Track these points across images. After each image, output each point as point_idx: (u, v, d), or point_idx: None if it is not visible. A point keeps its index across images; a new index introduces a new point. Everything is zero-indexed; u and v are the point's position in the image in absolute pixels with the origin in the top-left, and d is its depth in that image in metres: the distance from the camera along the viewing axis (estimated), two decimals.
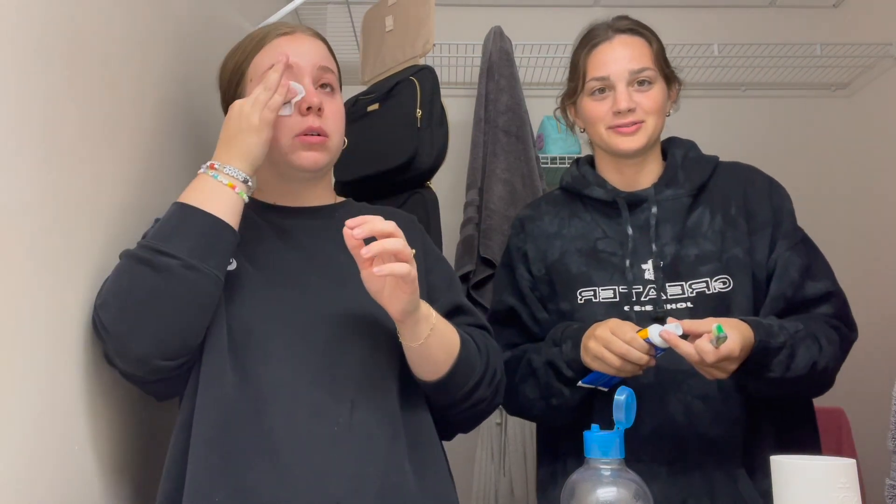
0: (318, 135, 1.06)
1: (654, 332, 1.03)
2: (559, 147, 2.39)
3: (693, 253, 1.19)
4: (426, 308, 0.96)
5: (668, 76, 1.27)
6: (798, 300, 1.17)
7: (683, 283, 1.18)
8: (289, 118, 1.04)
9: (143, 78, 1.08)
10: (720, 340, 0.99)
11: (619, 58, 1.23)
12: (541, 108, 2.51)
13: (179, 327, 0.89)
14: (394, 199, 1.67)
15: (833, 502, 0.73)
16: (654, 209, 1.23)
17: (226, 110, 1.11)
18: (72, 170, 0.87)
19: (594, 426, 0.79)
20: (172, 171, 1.19)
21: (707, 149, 1.33)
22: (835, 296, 1.18)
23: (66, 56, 0.86)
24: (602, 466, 0.77)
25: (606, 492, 0.75)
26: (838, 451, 1.93)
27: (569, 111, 1.35)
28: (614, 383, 1.10)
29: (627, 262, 1.21)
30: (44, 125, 0.81)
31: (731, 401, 1.13)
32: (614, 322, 1.08)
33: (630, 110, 1.21)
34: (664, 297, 1.18)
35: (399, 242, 0.88)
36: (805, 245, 1.22)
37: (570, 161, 2.34)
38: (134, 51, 1.05)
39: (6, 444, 0.74)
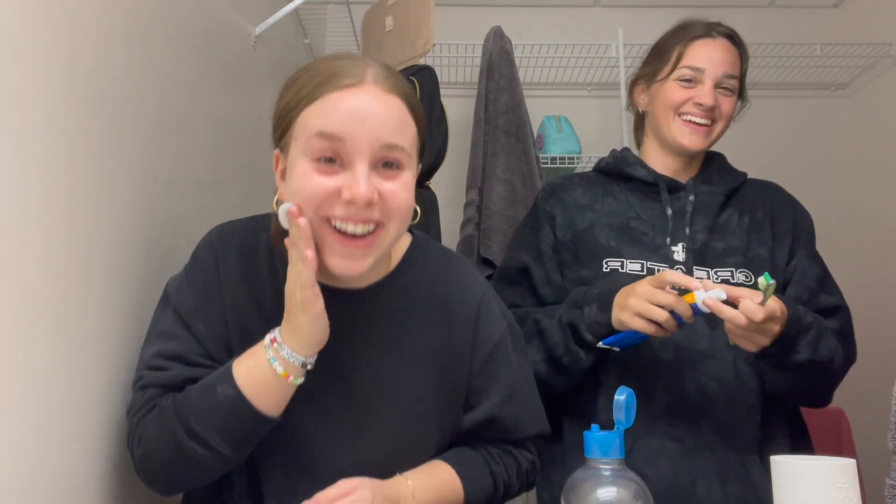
0: (364, 234, 0.83)
1: (700, 297, 1.01)
2: (559, 147, 2.39)
3: (720, 246, 1.23)
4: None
5: (742, 93, 1.32)
6: (811, 308, 1.18)
7: (710, 269, 1.20)
8: (322, 191, 0.82)
9: (144, 78, 1.08)
10: (769, 290, 0.98)
11: (719, 58, 1.26)
12: (541, 108, 2.51)
13: (202, 488, 0.94)
14: None
15: (833, 502, 0.73)
16: (692, 197, 1.27)
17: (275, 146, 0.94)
18: (72, 171, 0.87)
19: (594, 426, 0.79)
20: (173, 170, 1.19)
21: None
22: (843, 311, 1.22)
23: (66, 55, 0.86)
24: (602, 466, 0.77)
25: (606, 492, 0.75)
26: (838, 451, 1.93)
27: (637, 88, 1.37)
28: (635, 342, 1.11)
29: (668, 240, 1.23)
30: (44, 125, 0.81)
31: (746, 388, 1.14)
32: (651, 277, 1.07)
33: (711, 108, 1.25)
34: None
35: None
36: (820, 261, 1.26)
37: (570, 161, 2.37)
38: (135, 50, 1.05)
39: (10, 446, 0.74)
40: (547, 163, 2.36)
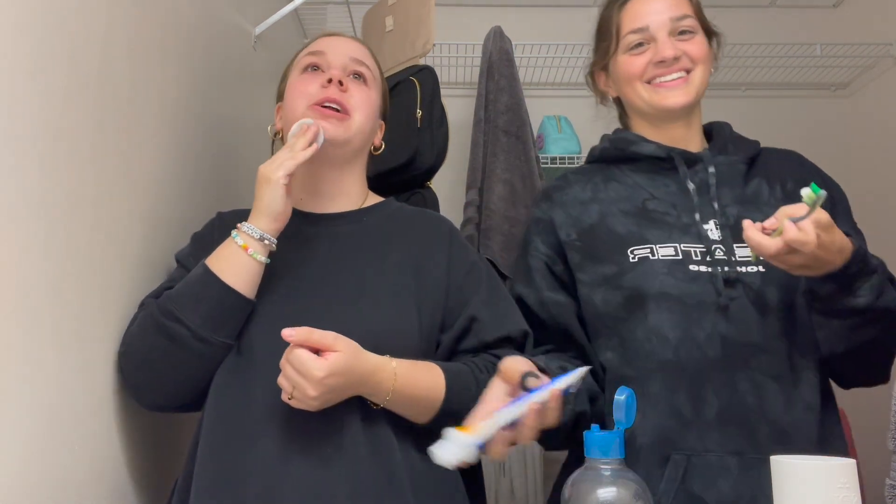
0: (337, 110, 1.07)
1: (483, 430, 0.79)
2: (559, 147, 2.39)
3: (757, 218, 1.03)
4: (376, 381, 0.91)
5: (708, 30, 1.18)
6: None
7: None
8: (308, 87, 1.09)
9: (143, 77, 1.08)
10: (819, 200, 0.84)
11: (658, 7, 1.13)
12: (541, 108, 2.51)
13: (186, 387, 0.98)
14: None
15: (833, 502, 0.73)
16: (712, 169, 1.12)
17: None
18: (72, 171, 0.87)
19: (594, 426, 0.78)
20: (173, 170, 1.19)
21: None
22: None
23: (66, 56, 0.86)
24: (602, 466, 0.77)
25: (606, 492, 0.75)
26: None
27: (598, 79, 1.25)
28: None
29: (697, 216, 1.08)
30: (44, 126, 0.81)
31: (804, 383, 1.01)
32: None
33: (675, 59, 1.11)
34: (734, 259, 1.05)
35: (295, 361, 0.85)
36: (862, 235, 1.14)
37: (570, 161, 2.37)
38: (134, 50, 1.05)
39: (10, 447, 0.74)
40: (547, 163, 2.36)
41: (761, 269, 1.04)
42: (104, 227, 0.95)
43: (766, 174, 1.14)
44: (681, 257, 1.06)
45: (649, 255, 1.07)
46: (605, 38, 1.19)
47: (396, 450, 0.94)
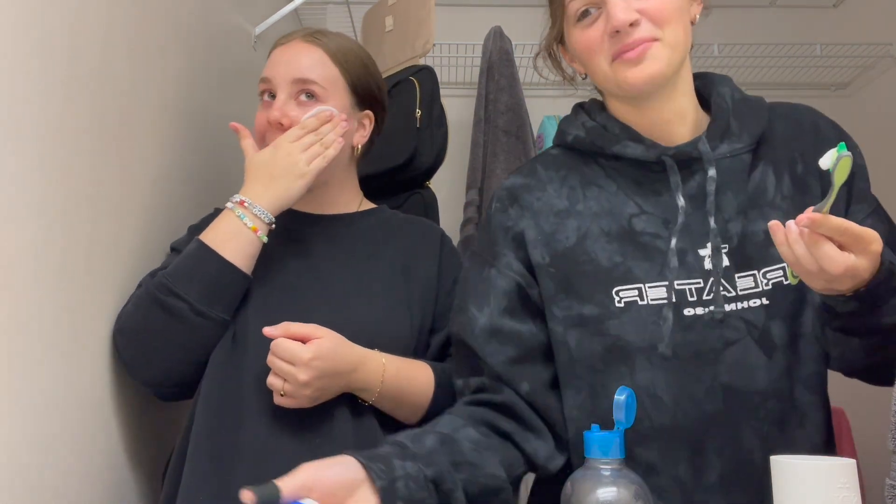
0: None
1: None
2: None
3: (762, 229, 0.89)
4: (365, 371, 0.95)
5: None
6: None
7: (756, 271, 0.89)
8: (263, 120, 1.08)
9: (144, 78, 1.08)
10: (842, 166, 0.72)
11: None
12: (541, 108, 2.51)
13: (183, 362, 0.97)
14: (393, 199, 1.67)
15: (833, 502, 0.73)
16: (712, 172, 0.90)
17: None
18: (72, 171, 0.87)
19: (594, 426, 0.78)
20: (173, 170, 1.19)
21: None
22: None
23: (66, 55, 0.86)
24: (602, 466, 0.77)
25: (606, 492, 0.75)
26: (838, 451, 1.93)
27: (562, 57, 1.03)
28: None
29: (691, 243, 0.90)
30: (44, 126, 0.81)
31: (810, 422, 0.89)
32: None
33: (632, 25, 0.87)
34: (734, 294, 0.89)
35: (284, 350, 0.89)
36: (884, 214, 0.98)
37: None
38: (135, 50, 1.05)
39: (8, 447, 0.74)
40: None
41: (765, 301, 0.89)
42: (103, 226, 0.95)
43: (773, 156, 0.95)
44: (674, 300, 0.89)
45: (637, 298, 0.89)
46: (554, 9, 0.98)
47: (382, 443, 0.95)
